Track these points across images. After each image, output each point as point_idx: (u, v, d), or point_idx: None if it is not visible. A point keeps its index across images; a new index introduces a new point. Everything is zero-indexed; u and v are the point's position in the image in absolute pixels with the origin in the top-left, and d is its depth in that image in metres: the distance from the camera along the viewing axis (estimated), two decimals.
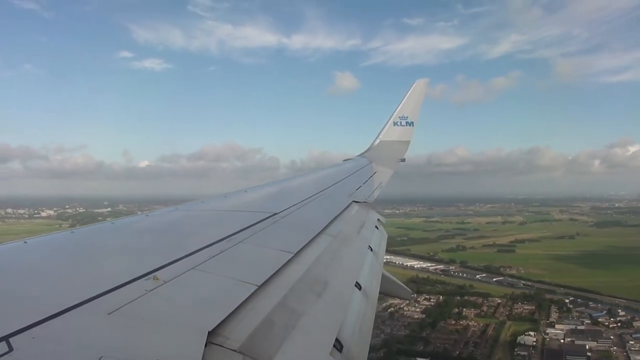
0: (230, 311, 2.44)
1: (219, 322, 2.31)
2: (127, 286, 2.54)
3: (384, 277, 4.95)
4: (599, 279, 77.76)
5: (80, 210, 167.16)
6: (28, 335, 1.92)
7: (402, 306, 69.26)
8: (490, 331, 59.34)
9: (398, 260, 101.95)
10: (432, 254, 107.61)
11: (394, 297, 5.22)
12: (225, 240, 3.69)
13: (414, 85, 14.42)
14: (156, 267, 2.88)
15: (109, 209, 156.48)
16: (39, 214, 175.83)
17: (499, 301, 70.00)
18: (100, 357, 1.83)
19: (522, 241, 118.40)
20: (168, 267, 2.92)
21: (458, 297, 72.78)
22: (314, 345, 2.65)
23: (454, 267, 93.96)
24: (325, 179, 8.72)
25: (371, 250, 5.08)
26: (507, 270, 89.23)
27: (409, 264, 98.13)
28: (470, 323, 62.21)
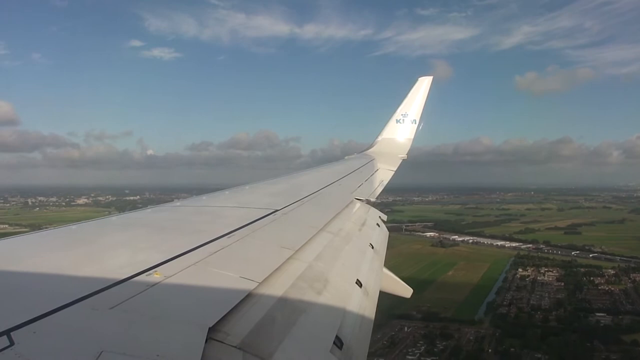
0: (230, 307, 2.49)
1: (219, 318, 2.35)
2: (129, 281, 2.57)
3: (384, 275, 5.06)
4: None
5: (112, 199, 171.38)
6: (29, 330, 1.94)
7: (532, 276, 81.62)
8: (631, 292, 72.10)
9: (485, 240, 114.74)
10: (507, 235, 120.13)
11: (394, 295, 5.57)
12: (226, 237, 3.72)
13: (417, 82, 14.26)
14: (158, 262, 2.91)
15: (137, 196, 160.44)
16: (74, 201, 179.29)
17: (612, 272, 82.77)
18: (101, 352, 1.85)
19: (579, 225, 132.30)
20: (170, 263, 2.95)
21: (574, 269, 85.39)
22: (314, 342, 2.71)
23: (543, 246, 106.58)
24: (327, 176, 8.80)
25: (372, 247, 5.14)
26: (592, 248, 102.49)
27: (498, 243, 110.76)
28: (609, 288, 74.80)
